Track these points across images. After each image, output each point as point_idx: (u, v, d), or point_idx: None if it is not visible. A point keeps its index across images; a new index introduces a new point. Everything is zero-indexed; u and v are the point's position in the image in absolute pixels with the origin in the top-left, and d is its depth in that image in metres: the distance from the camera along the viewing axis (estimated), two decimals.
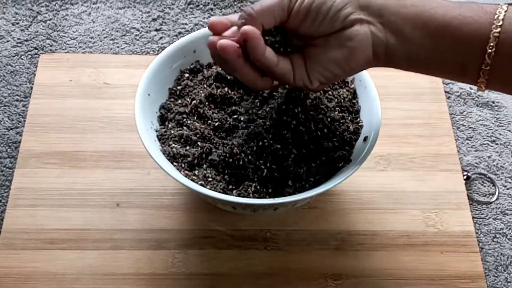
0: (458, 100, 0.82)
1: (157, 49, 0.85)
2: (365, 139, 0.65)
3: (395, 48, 0.55)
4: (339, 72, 0.57)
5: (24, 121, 0.77)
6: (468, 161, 0.77)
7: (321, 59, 0.57)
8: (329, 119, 0.67)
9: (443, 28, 0.53)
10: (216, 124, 0.67)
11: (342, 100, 0.69)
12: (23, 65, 0.83)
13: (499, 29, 0.51)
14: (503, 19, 0.51)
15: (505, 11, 0.52)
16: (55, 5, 0.89)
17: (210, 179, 0.63)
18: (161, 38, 0.87)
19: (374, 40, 0.55)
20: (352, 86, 0.70)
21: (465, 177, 0.75)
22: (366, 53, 0.56)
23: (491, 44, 0.51)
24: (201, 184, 0.62)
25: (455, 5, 0.54)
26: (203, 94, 0.69)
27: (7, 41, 0.85)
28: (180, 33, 0.87)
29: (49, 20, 0.88)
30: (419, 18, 0.54)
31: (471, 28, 0.52)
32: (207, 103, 0.69)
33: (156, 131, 0.67)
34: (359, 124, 0.68)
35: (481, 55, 0.52)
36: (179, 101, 0.70)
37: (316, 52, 0.57)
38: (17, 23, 0.87)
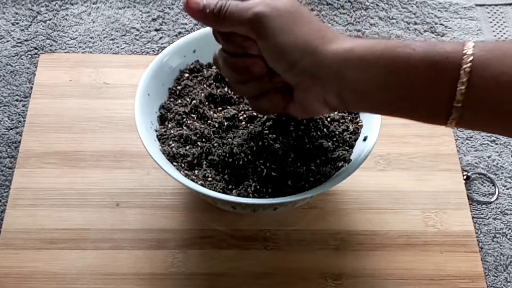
0: None
1: (157, 49, 0.85)
2: (365, 139, 0.65)
3: (353, 105, 0.56)
4: (323, 112, 0.59)
5: (24, 121, 0.78)
6: (468, 161, 0.77)
7: (289, 108, 0.60)
8: (329, 119, 0.67)
9: (409, 74, 0.51)
10: (216, 124, 0.67)
11: None
12: (23, 65, 0.83)
13: (469, 64, 0.49)
14: (472, 54, 0.49)
15: (473, 46, 0.49)
16: (55, 5, 0.89)
17: (210, 179, 0.63)
18: (161, 38, 0.87)
19: (329, 104, 0.56)
20: None
21: (465, 177, 0.75)
22: (324, 112, 0.58)
23: (463, 80, 0.49)
24: (201, 184, 0.62)
25: (422, 48, 0.51)
26: (203, 94, 0.69)
27: (7, 41, 0.85)
28: (180, 33, 0.87)
29: (49, 20, 0.88)
30: (386, 71, 0.52)
31: (439, 67, 0.50)
32: (207, 103, 0.69)
33: (156, 131, 0.67)
34: (359, 124, 0.68)
35: (452, 94, 0.49)
36: (179, 101, 0.70)
37: (281, 98, 0.59)
38: (17, 23, 0.87)
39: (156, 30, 0.87)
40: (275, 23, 0.53)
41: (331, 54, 0.53)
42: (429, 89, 0.51)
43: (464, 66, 0.49)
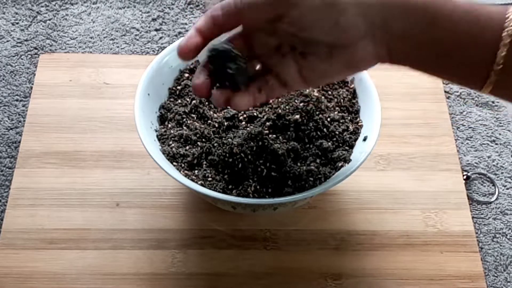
0: (458, 100, 0.82)
1: (157, 49, 0.85)
2: (365, 139, 0.65)
3: (399, 57, 0.53)
4: (342, 78, 0.56)
5: (24, 121, 0.78)
6: (468, 161, 0.77)
7: (324, 71, 0.54)
8: (328, 119, 0.67)
9: (449, 46, 0.51)
10: (216, 124, 0.67)
11: (342, 100, 0.69)
12: (23, 65, 0.83)
13: (508, 46, 0.48)
14: (510, 35, 0.49)
15: None
16: (55, 5, 0.89)
17: (209, 179, 0.63)
18: (161, 38, 0.87)
19: (379, 57, 0.53)
20: (352, 86, 0.70)
21: (465, 177, 0.75)
22: (372, 65, 0.54)
23: (498, 61, 0.49)
24: (200, 184, 0.62)
25: (462, 20, 0.51)
26: None
27: (7, 41, 0.85)
28: (180, 33, 0.87)
29: (49, 20, 0.88)
30: (425, 36, 0.51)
31: (477, 48, 0.50)
32: (207, 103, 0.69)
33: (156, 131, 0.67)
34: (359, 124, 0.68)
35: (487, 71, 0.50)
36: (179, 101, 0.70)
37: (318, 63, 0.54)
38: (17, 23, 0.87)
39: (156, 30, 0.87)
40: None
41: (375, 3, 0.51)
42: (470, 48, 0.50)
43: (508, 29, 0.49)
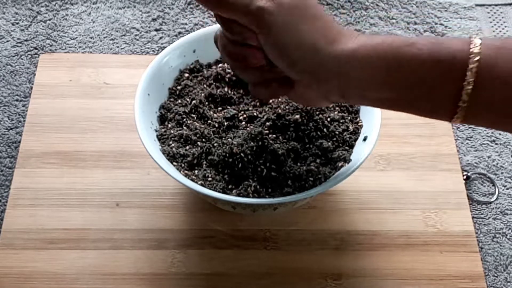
0: None
1: (157, 49, 0.85)
2: (365, 139, 0.65)
3: (355, 101, 0.57)
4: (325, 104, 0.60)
5: (24, 121, 0.78)
6: (468, 161, 0.77)
7: (291, 97, 0.59)
8: (328, 119, 0.67)
9: (415, 74, 0.50)
10: (216, 124, 0.67)
11: None
12: (23, 65, 0.83)
13: (476, 64, 0.48)
14: (479, 53, 0.48)
15: (480, 44, 0.49)
16: (55, 5, 0.89)
17: (209, 179, 0.63)
18: (161, 38, 0.87)
19: (330, 100, 0.57)
20: None
21: (465, 177, 0.75)
22: (325, 105, 0.59)
23: (470, 80, 0.48)
24: (200, 184, 0.62)
25: (425, 42, 0.51)
26: (202, 94, 0.69)
27: (7, 41, 0.85)
28: (180, 33, 0.87)
29: (49, 20, 0.88)
30: (389, 70, 0.51)
31: (445, 67, 0.49)
32: (207, 103, 0.69)
33: (156, 131, 0.67)
34: (359, 124, 0.68)
35: (457, 93, 0.49)
36: (179, 101, 0.70)
37: (281, 88, 0.58)
38: (17, 23, 0.87)
39: (156, 30, 0.87)
40: (278, 20, 0.52)
41: (334, 55, 0.52)
42: (435, 88, 0.50)
43: (471, 66, 0.48)
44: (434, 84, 0.50)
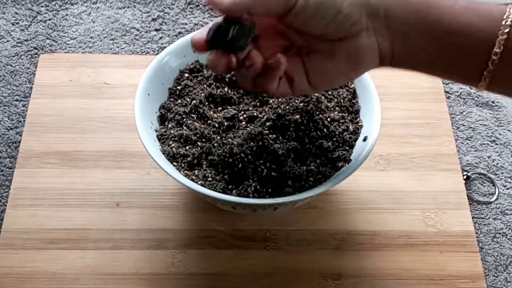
0: (458, 100, 0.82)
1: (157, 49, 0.85)
2: (365, 139, 0.65)
3: (400, 55, 0.54)
4: (346, 80, 0.57)
5: (24, 121, 0.78)
6: (468, 161, 0.77)
7: (328, 70, 0.55)
8: (329, 119, 0.67)
9: (448, 35, 0.52)
10: (216, 124, 0.67)
11: (342, 100, 0.69)
12: (23, 65, 0.83)
13: (505, 36, 0.50)
14: (510, 25, 0.50)
15: None
16: (55, 5, 0.89)
17: (210, 179, 0.63)
18: (161, 38, 0.87)
19: (381, 51, 0.54)
20: (352, 86, 0.70)
21: (465, 177, 0.75)
22: (374, 63, 0.55)
23: (496, 50, 0.50)
24: (200, 184, 0.62)
25: (462, 10, 0.52)
26: (203, 94, 0.69)
27: (7, 41, 0.85)
28: (180, 33, 0.87)
29: (49, 20, 0.88)
30: (426, 25, 0.52)
31: (477, 36, 0.51)
32: (207, 103, 0.69)
33: (156, 131, 0.67)
34: (359, 124, 0.68)
35: (485, 61, 0.51)
36: (179, 101, 0.70)
37: (322, 62, 0.55)
38: (17, 23, 0.87)
39: (156, 30, 0.87)
40: None
41: None
42: (469, 39, 0.52)
43: (500, 38, 0.50)
44: (469, 34, 0.51)
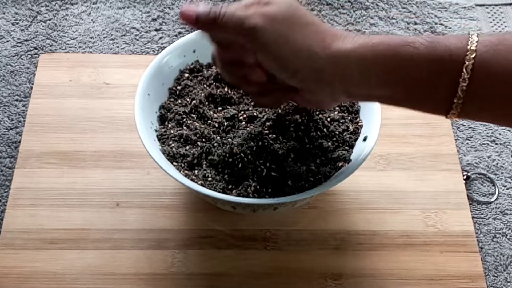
0: None
1: (157, 49, 0.85)
2: (365, 139, 0.65)
3: (360, 98, 0.58)
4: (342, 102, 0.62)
5: (24, 121, 0.78)
6: (468, 161, 0.77)
7: (318, 100, 0.59)
8: (329, 119, 0.67)
9: (412, 73, 0.51)
10: (216, 124, 0.67)
11: None
12: (23, 65, 0.83)
13: (472, 61, 0.49)
14: (475, 50, 0.49)
15: (476, 41, 0.50)
16: (55, 5, 0.89)
17: (209, 179, 0.63)
18: (161, 38, 0.87)
19: (338, 100, 0.59)
20: None
21: (465, 177, 0.75)
22: (333, 106, 0.60)
23: (465, 77, 0.49)
24: (200, 184, 0.62)
25: (422, 41, 0.51)
26: (202, 94, 0.69)
27: (7, 41, 0.85)
28: (180, 33, 0.87)
29: (49, 20, 0.88)
30: (388, 71, 0.52)
31: (442, 65, 0.50)
32: (207, 103, 0.69)
33: (156, 131, 0.67)
34: (359, 124, 0.68)
35: (453, 90, 0.50)
36: (179, 101, 0.70)
37: (309, 96, 0.58)
38: (17, 23, 0.87)
39: (156, 30, 0.87)
40: (272, 34, 0.53)
41: (332, 56, 0.52)
42: (431, 85, 0.51)
43: (467, 64, 0.49)
44: (431, 82, 0.51)
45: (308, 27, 0.53)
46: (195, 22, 0.55)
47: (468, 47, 0.49)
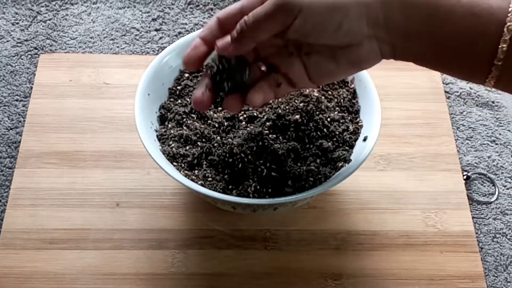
0: (458, 100, 0.82)
1: (157, 49, 0.85)
2: (365, 139, 0.65)
3: (402, 56, 0.54)
4: (347, 76, 0.58)
5: (24, 121, 0.78)
6: (468, 161, 0.77)
7: (330, 70, 0.55)
8: (328, 119, 0.67)
9: (450, 39, 0.51)
10: (216, 124, 0.67)
11: (342, 100, 0.69)
12: (23, 65, 0.83)
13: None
14: None
15: None
16: (55, 5, 0.89)
17: (210, 179, 0.63)
18: (161, 38, 0.87)
19: (382, 54, 0.54)
20: (352, 86, 0.70)
21: (465, 177, 0.75)
22: (376, 62, 0.55)
23: (506, 38, 0.48)
24: (200, 184, 0.62)
25: (463, 12, 0.50)
26: None
27: (7, 41, 0.85)
28: (180, 33, 0.87)
29: (49, 20, 0.88)
30: (426, 32, 0.51)
31: (483, 22, 0.49)
32: None
33: (156, 131, 0.67)
34: (359, 124, 0.68)
35: (494, 50, 0.49)
36: (179, 101, 0.70)
37: (324, 63, 0.55)
38: (17, 23, 0.87)
39: (156, 30, 0.87)
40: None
41: (375, 1, 0.51)
42: (472, 43, 0.50)
43: (508, 24, 0.48)
44: (472, 38, 0.50)
45: None
46: (234, 45, 0.54)
47: (510, 8, 0.49)
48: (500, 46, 0.49)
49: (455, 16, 0.50)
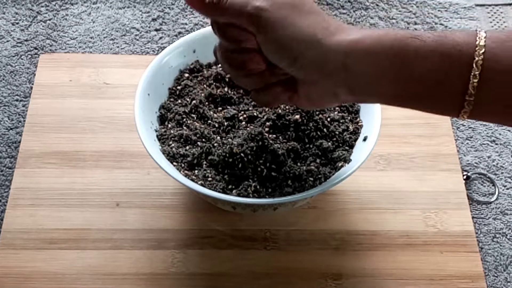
0: None
1: (157, 49, 0.85)
2: (365, 139, 0.65)
3: (363, 96, 0.55)
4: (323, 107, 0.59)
5: (24, 121, 0.78)
6: (468, 161, 0.77)
7: (318, 95, 0.56)
8: (329, 119, 0.67)
9: (420, 67, 0.50)
10: (216, 124, 0.67)
11: None
12: (23, 65, 0.83)
13: (481, 56, 0.48)
14: (484, 46, 0.48)
15: (485, 37, 0.49)
16: (55, 5, 0.89)
17: (210, 179, 0.63)
18: (161, 38, 0.87)
19: (338, 96, 0.54)
20: None
21: (465, 177, 0.75)
22: (334, 104, 0.57)
23: (476, 73, 0.48)
24: (201, 184, 0.62)
25: (432, 42, 0.50)
26: (203, 94, 0.69)
27: (7, 41, 0.85)
28: (180, 33, 0.87)
29: (49, 20, 0.88)
30: (394, 63, 0.50)
31: (452, 60, 0.49)
32: (207, 103, 0.69)
33: (156, 131, 0.67)
34: (359, 124, 0.68)
35: (464, 86, 0.49)
36: (179, 101, 0.70)
37: (308, 89, 0.55)
38: (17, 23, 0.87)
39: (156, 30, 0.87)
40: (275, 17, 0.52)
41: (336, 46, 0.51)
42: (441, 82, 0.50)
43: (477, 59, 0.48)
44: (441, 77, 0.49)
45: (312, 14, 0.53)
46: (201, 4, 0.54)
47: (477, 42, 0.48)
48: (470, 82, 0.48)
49: (421, 58, 0.50)
